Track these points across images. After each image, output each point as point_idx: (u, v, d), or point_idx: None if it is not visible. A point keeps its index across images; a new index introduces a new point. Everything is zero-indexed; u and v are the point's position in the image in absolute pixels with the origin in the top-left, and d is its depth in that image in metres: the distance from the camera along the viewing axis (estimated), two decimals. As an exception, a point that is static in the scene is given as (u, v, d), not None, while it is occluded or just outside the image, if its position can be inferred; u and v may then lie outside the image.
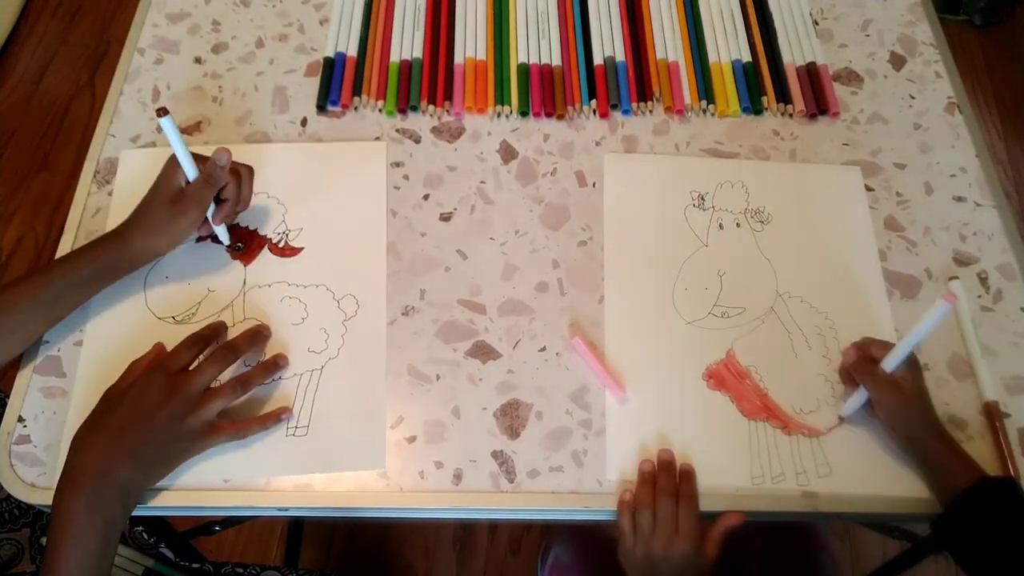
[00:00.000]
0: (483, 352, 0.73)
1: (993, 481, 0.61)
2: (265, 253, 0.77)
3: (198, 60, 0.90)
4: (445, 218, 0.80)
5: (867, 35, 0.95)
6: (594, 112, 0.87)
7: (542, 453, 0.68)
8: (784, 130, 0.87)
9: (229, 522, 1.08)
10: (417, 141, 0.85)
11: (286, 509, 0.67)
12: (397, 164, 0.83)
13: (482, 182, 0.82)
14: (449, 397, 0.70)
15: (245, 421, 0.66)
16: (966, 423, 0.70)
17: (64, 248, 0.76)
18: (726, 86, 0.89)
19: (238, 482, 0.65)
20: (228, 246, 0.76)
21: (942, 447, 0.64)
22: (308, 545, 1.35)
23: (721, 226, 0.80)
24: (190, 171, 0.68)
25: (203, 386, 0.63)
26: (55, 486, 0.59)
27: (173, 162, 0.68)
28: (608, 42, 0.91)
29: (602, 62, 0.90)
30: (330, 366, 0.71)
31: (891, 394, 0.65)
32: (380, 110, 0.87)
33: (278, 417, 0.67)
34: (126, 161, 0.81)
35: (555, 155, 0.84)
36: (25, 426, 0.68)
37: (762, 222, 0.80)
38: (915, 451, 0.66)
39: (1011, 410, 0.70)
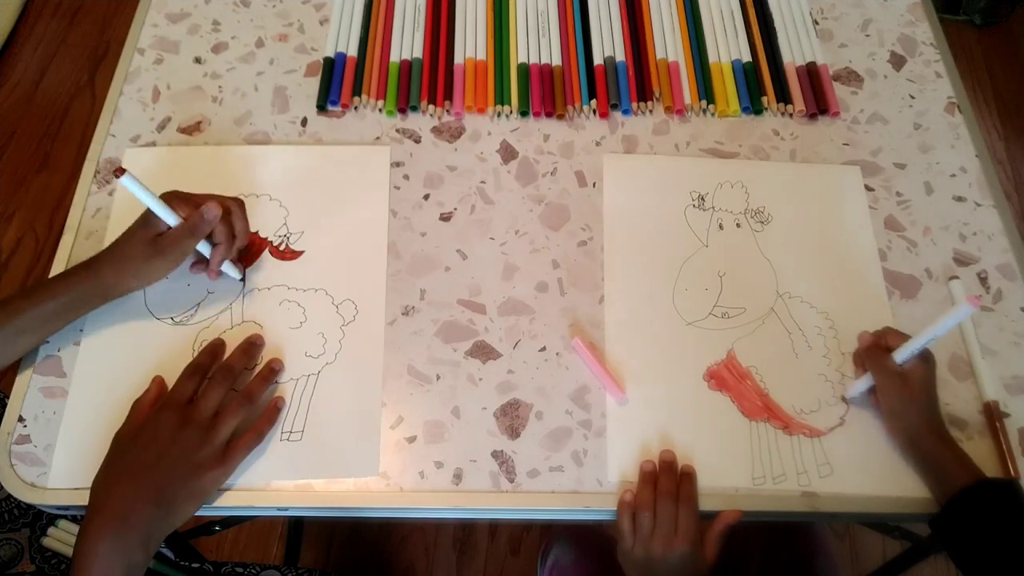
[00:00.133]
0: (483, 352, 0.73)
1: (991, 483, 0.61)
2: (265, 255, 0.77)
3: (198, 60, 0.90)
4: (445, 218, 0.80)
5: (867, 35, 0.95)
6: (594, 112, 0.87)
7: (542, 453, 0.68)
8: (784, 130, 0.87)
9: (229, 522, 1.08)
10: (417, 141, 0.85)
11: (286, 509, 0.67)
12: (397, 164, 0.83)
13: (482, 182, 0.82)
14: (449, 397, 0.70)
15: (255, 426, 0.66)
16: (966, 423, 0.70)
17: (64, 248, 0.76)
18: (726, 86, 0.89)
19: (236, 483, 0.65)
20: (241, 278, 0.74)
21: (941, 447, 0.64)
22: (308, 545, 1.35)
23: (721, 226, 0.80)
24: (168, 219, 0.66)
25: (211, 412, 0.64)
26: (52, 486, 0.58)
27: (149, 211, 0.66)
28: (608, 42, 0.91)
29: (602, 62, 0.90)
30: (327, 371, 0.71)
31: (895, 385, 0.65)
32: (380, 110, 0.87)
33: (277, 407, 0.68)
34: (128, 161, 0.82)
35: (555, 155, 0.84)
36: (25, 426, 0.68)
37: (762, 222, 0.80)
38: (913, 448, 0.66)
39: (1011, 410, 0.70)
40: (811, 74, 0.90)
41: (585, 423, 0.70)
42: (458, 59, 0.90)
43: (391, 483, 0.66)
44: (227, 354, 0.69)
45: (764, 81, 0.89)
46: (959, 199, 0.83)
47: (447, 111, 0.87)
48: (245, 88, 0.88)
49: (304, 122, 0.86)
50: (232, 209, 0.70)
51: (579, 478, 0.67)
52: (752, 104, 0.87)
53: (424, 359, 0.72)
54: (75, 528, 0.82)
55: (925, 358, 0.66)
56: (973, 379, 0.72)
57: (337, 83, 0.87)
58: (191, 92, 0.87)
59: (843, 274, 0.77)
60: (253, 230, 0.78)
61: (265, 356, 0.71)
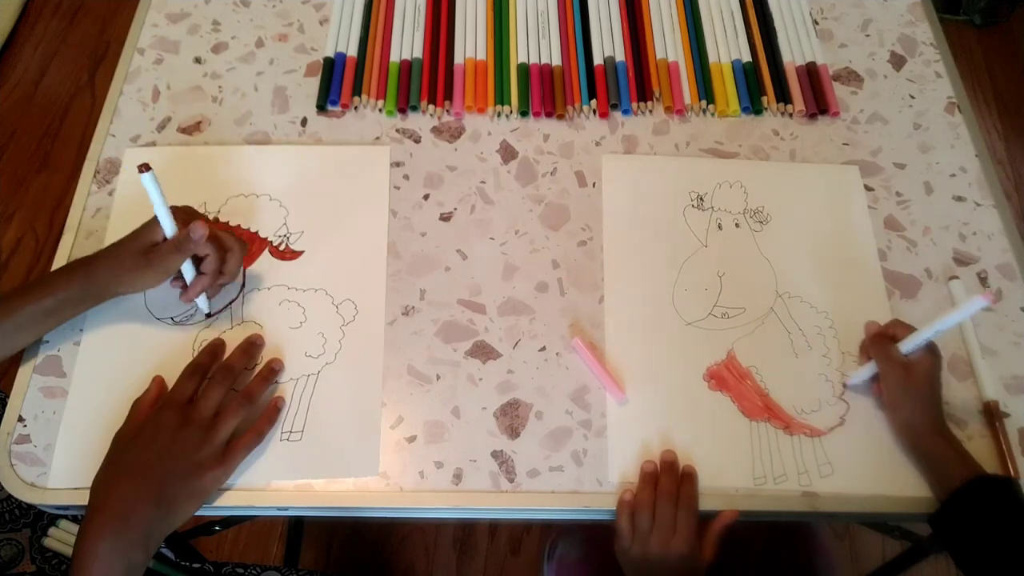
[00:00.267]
0: (483, 352, 0.73)
1: (990, 479, 0.61)
2: (265, 255, 0.77)
3: (198, 60, 0.90)
4: (445, 218, 0.80)
5: (867, 35, 0.95)
6: (594, 112, 0.87)
7: (542, 453, 0.68)
8: (784, 130, 0.87)
9: (229, 522, 1.08)
10: (417, 141, 0.85)
11: (286, 509, 0.67)
12: (397, 164, 0.83)
13: (482, 182, 0.82)
14: (449, 397, 0.70)
15: (255, 426, 0.66)
16: (966, 423, 0.70)
17: (64, 248, 0.76)
18: (726, 86, 0.89)
19: (236, 483, 0.65)
20: (206, 315, 0.72)
21: (941, 441, 0.64)
22: (308, 545, 1.35)
23: (720, 226, 0.80)
24: (168, 229, 0.65)
25: (211, 412, 0.64)
26: (52, 486, 0.58)
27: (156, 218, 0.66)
28: (608, 42, 0.91)
29: (602, 62, 0.90)
30: (327, 371, 0.71)
31: (899, 375, 0.65)
32: (380, 110, 0.87)
33: (277, 407, 0.68)
34: (128, 161, 0.81)
35: (555, 155, 0.84)
36: (25, 426, 0.68)
37: (761, 222, 0.80)
38: (913, 441, 0.66)
39: (1011, 410, 0.70)
40: (811, 74, 0.90)
41: (585, 423, 0.70)
42: (458, 59, 0.90)
43: (391, 483, 0.66)
44: (227, 354, 0.69)
45: (764, 81, 0.89)
46: (959, 199, 0.83)
47: (447, 111, 0.87)
48: (245, 88, 0.88)
49: (304, 122, 0.86)
50: (232, 248, 0.69)
51: (579, 478, 0.67)
52: (752, 104, 0.87)
53: (424, 359, 0.72)
54: (76, 528, 0.82)
55: (931, 351, 0.66)
56: (973, 379, 0.72)
57: (337, 83, 0.87)
58: (191, 92, 0.87)
59: (843, 274, 0.77)
60: (253, 230, 0.78)
61: (265, 356, 0.71)
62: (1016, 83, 1.95)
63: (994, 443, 0.69)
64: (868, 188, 0.83)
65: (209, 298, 0.72)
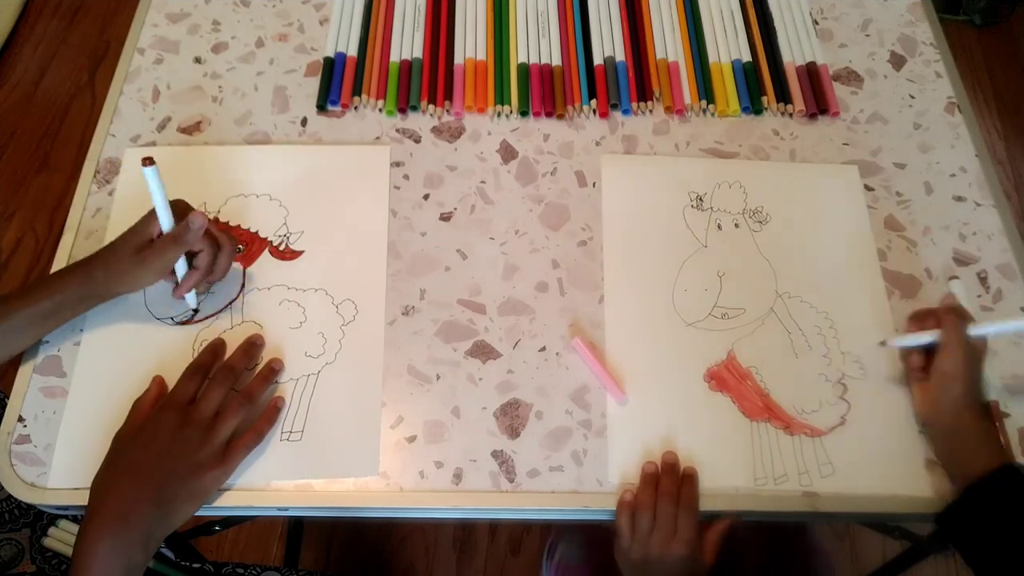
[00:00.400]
0: (483, 352, 0.73)
1: (1016, 467, 0.61)
2: (265, 255, 0.77)
3: (198, 60, 0.90)
4: (445, 218, 0.80)
5: (867, 35, 0.95)
6: (594, 112, 0.87)
7: (542, 453, 0.68)
8: (784, 130, 0.87)
9: (229, 522, 1.08)
10: (417, 141, 0.85)
11: (286, 509, 0.67)
12: (397, 164, 0.83)
13: (482, 182, 0.82)
14: (449, 397, 0.70)
15: (255, 426, 0.66)
16: (966, 423, 0.70)
17: (64, 248, 0.76)
18: (726, 86, 0.89)
19: (236, 483, 0.65)
20: (193, 311, 0.72)
21: (980, 421, 0.64)
22: (308, 545, 1.35)
23: (720, 227, 0.80)
24: (165, 224, 0.66)
25: (212, 412, 0.64)
26: (52, 486, 0.58)
27: (152, 212, 0.66)
28: (608, 42, 0.91)
29: (602, 62, 0.90)
30: (327, 371, 0.71)
31: (964, 351, 0.65)
32: (380, 110, 0.87)
33: (277, 407, 0.68)
34: (129, 160, 0.82)
35: (555, 155, 0.84)
36: (25, 426, 0.68)
37: (760, 222, 0.80)
38: (952, 417, 0.65)
39: (1011, 410, 0.70)
40: (811, 74, 0.90)
41: (585, 423, 0.70)
42: (458, 59, 0.90)
43: (391, 483, 0.66)
44: (228, 354, 0.69)
45: (764, 81, 0.89)
46: (959, 199, 0.83)
47: (447, 111, 0.87)
48: (245, 88, 0.88)
49: (304, 122, 0.86)
50: (224, 246, 0.69)
51: (579, 478, 0.67)
52: (752, 104, 0.87)
53: (424, 359, 0.72)
54: (76, 528, 0.82)
55: (985, 342, 0.67)
56: (973, 379, 0.72)
57: (337, 83, 0.87)
58: (191, 92, 0.87)
59: (843, 274, 0.77)
60: (253, 230, 0.78)
61: (265, 356, 0.71)
62: (1016, 83, 1.95)
63: (994, 443, 0.69)
64: (868, 188, 0.83)
65: (198, 295, 0.72)
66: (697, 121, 0.87)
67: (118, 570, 0.56)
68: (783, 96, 0.88)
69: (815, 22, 0.95)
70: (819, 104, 0.87)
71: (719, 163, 0.84)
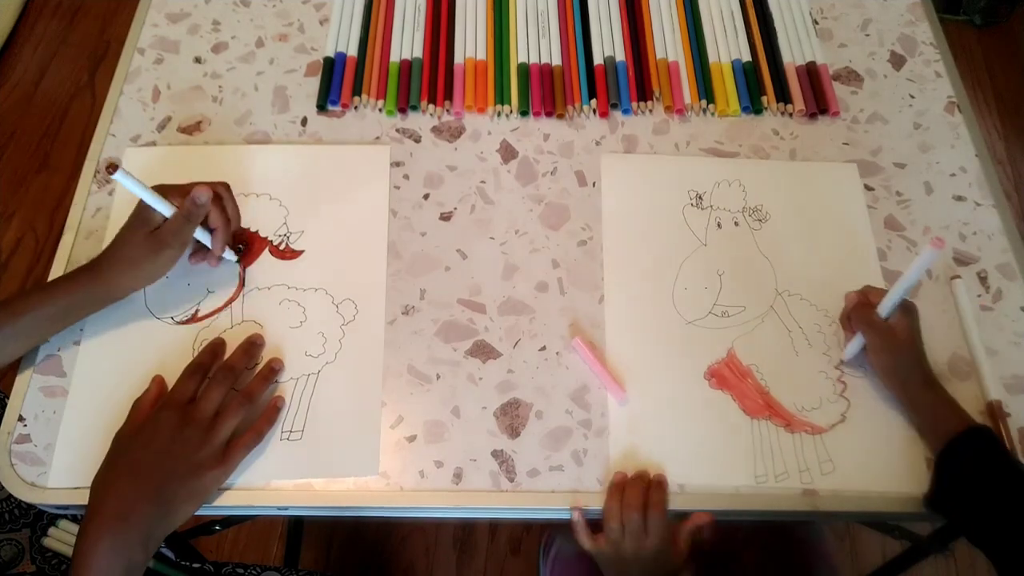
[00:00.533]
0: (483, 352, 0.73)
1: (981, 429, 0.63)
2: (265, 255, 0.77)
3: (198, 60, 0.90)
4: (445, 218, 0.80)
5: (867, 35, 0.95)
6: (594, 112, 0.87)
7: (542, 452, 0.68)
8: (784, 130, 0.87)
9: (229, 522, 1.08)
10: (417, 141, 0.85)
11: (286, 509, 0.67)
12: (397, 164, 0.83)
13: (482, 182, 0.82)
14: (449, 397, 0.70)
15: (254, 426, 0.66)
16: (966, 422, 0.70)
17: (64, 248, 0.76)
18: (726, 86, 0.89)
19: (236, 483, 0.65)
20: (237, 260, 0.75)
21: (932, 394, 0.66)
22: (308, 545, 1.35)
23: (719, 225, 0.80)
24: (164, 211, 0.66)
25: (212, 412, 0.64)
26: (52, 485, 0.58)
27: (143, 202, 0.66)
28: (608, 42, 0.91)
29: (602, 62, 0.90)
30: (327, 371, 0.71)
31: (885, 338, 0.67)
32: (380, 110, 0.87)
33: (277, 406, 0.68)
34: (129, 160, 0.82)
35: (555, 155, 0.84)
36: (25, 425, 0.68)
37: (760, 220, 0.80)
38: (907, 398, 0.67)
39: (1012, 410, 0.70)
40: (811, 74, 0.90)
41: (585, 423, 0.70)
42: (458, 59, 0.90)
43: (391, 483, 0.66)
44: (227, 354, 0.69)
45: (764, 81, 0.89)
46: (959, 199, 0.83)
47: (447, 111, 0.87)
48: (245, 88, 0.88)
49: (304, 122, 0.86)
50: (221, 193, 0.70)
51: (579, 477, 0.67)
52: (752, 104, 0.87)
53: (424, 359, 0.72)
54: (76, 528, 0.82)
55: (908, 309, 0.67)
56: (974, 379, 0.72)
57: (337, 83, 0.87)
58: (191, 92, 0.87)
59: (842, 271, 0.77)
60: (253, 230, 0.78)
61: (265, 356, 0.71)
62: (1016, 83, 1.95)
63: (994, 442, 0.69)
64: (868, 188, 0.83)
65: (230, 247, 0.73)
66: (697, 121, 0.87)
67: (118, 570, 0.56)
68: (783, 96, 0.88)
69: (815, 22, 0.95)
70: (819, 104, 0.87)
71: (719, 162, 0.84)
